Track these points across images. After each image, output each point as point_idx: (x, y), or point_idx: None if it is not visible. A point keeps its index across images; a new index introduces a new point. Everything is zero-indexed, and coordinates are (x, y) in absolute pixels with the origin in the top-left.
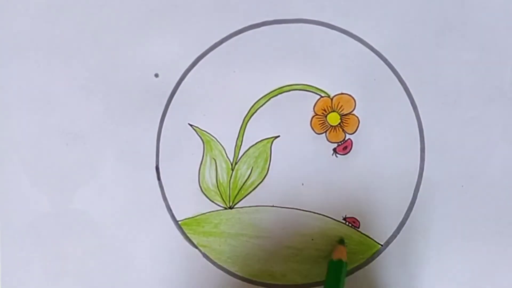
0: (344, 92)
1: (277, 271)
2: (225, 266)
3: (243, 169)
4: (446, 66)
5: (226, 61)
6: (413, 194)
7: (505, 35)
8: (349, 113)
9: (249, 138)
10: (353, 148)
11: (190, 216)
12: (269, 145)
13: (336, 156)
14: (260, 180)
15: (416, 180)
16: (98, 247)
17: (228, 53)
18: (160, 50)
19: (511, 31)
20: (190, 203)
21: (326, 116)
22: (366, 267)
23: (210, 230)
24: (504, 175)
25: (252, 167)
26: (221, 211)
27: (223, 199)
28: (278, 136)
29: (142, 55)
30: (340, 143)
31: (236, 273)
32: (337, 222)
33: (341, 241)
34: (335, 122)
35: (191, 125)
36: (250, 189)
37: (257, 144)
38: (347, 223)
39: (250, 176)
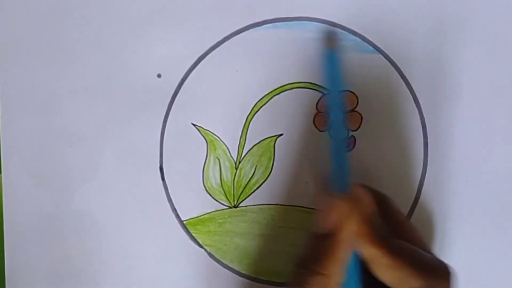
0: (346, 89)
1: (282, 269)
2: (230, 265)
3: (247, 168)
4: (448, 62)
5: (227, 60)
6: (417, 189)
7: (507, 32)
8: (352, 110)
9: (253, 137)
10: (356, 145)
11: (195, 215)
12: (272, 143)
13: None
14: (264, 179)
15: (420, 176)
16: (103, 248)
17: (229, 52)
18: (162, 50)
19: None
20: (194, 202)
21: (329, 114)
22: None
23: (215, 230)
24: (508, 169)
25: (256, 166)
26: (226, 210)
27: (227, 198)
28: (281, 134)
29: (144, 56)
30: None
31: (241, 272)
32: None
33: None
34: None
35: (194, 125)
36: (254, 188)
37: (260, 143)
38: None
39: (254, 175)
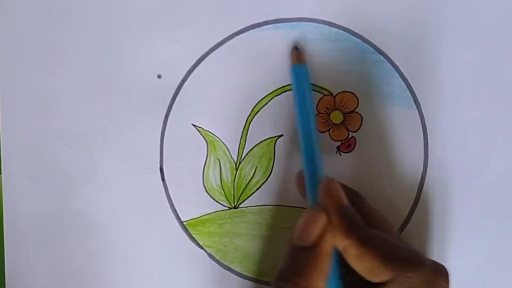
0: (346, 90)
1: None
2: (230, 266)
3: (247, 169)
4: (448, 63)
5: (228, 61)
6: (417, 190)
7: (506, 32)
8: (352, 111)
9: (253, 138)
10: (356, 146)
11: (195, 216)
12: (272, 144)
13: (340, 154)
14: (264, 180)
15: (420, 177)
16: (103, 249)
17: (230, 53)
18: (162, 51)
19: None
20: (194, 203)
21: (329, 115)
22: None
23: (215, 230)
24: (508, 169)
25: (256, 167)
26: (226, 211)
27: (227, 199)
28: (282, 135)
29: (144, 57)
30: (343, 141)
31: (241, 273)
32: None
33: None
34: (338, 120)
35: (194, 126)
36: (255, 189)
37: (260, 144)
38: None
39: (254, 176)
